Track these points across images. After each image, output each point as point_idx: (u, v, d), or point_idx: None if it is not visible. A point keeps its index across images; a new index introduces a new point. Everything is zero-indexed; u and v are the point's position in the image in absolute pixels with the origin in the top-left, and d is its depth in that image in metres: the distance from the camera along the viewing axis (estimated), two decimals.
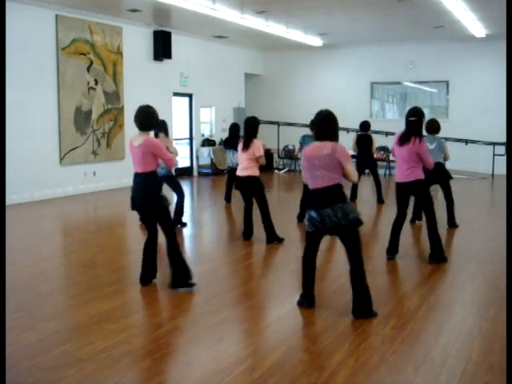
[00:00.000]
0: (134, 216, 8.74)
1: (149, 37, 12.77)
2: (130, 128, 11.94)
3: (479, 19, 11.75)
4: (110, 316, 4.50)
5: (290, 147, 16.38)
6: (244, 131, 7.03)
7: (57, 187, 10.78)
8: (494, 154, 14.04)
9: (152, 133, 5.09)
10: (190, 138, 14.74)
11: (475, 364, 3.61)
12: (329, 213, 4.29)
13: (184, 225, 8.15)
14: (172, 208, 6.75)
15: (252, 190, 7.00)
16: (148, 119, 5.06)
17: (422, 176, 5.97)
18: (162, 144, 5.48)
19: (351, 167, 4.39)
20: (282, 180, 14.62)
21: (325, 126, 4.42)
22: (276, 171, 15.87)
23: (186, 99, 14.48)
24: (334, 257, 6.61)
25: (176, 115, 13.93)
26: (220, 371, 3.52)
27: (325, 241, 7.67)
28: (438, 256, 6.07)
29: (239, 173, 7.01)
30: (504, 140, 13.00)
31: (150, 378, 3.50)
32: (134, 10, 11.05)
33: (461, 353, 3.79)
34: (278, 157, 16.41)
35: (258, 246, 6.92)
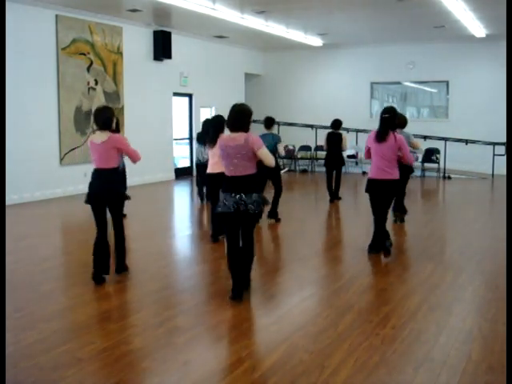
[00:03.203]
0: (134, 216, 8.77)
1: (149, 37, 12.77)
2: (130, 128, 11.99)
3: (479, 19, 11.75)
4: (109, 316, 4.50)
5: (290, 147, 16.38)
6: (211, 127, 7.17)
7: (57, 187, 10.78)
8: (494, 154, 14.03)
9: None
10: (190, 138, 14.74)
11: (475, 364, 3.61)
12: (244, 200, 4.69)
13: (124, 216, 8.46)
14: None
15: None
16: (108, 119, 5.34)
17: (398, 176, 6.14)
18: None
19: (264, 151, 4.74)
20: (282, 180, 14.57)
21: (238, 118, 4.79)
22: None
23: (186, 99, 14.48)
24: (336, 256, 6.62)
25: (176, 115, 13.93)
26: (220, 371, 3.52)
27: (326, 240, 7.68)
28: (379, 246, 6.24)
29: (209, 170, 7.05)
30: (504, 140, 12.99)
31: (149, 377, 3.50)
32: (134, 10, 11.04)
33: (461, 353, 3.79)
34: (278, 156, 16.40)
35: (257, 247, 6.91)
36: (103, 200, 5.35)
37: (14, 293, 5.02)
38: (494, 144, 13.97)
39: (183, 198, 12.53)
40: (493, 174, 14.01)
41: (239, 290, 4.83)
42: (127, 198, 5.55)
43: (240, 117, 4.81)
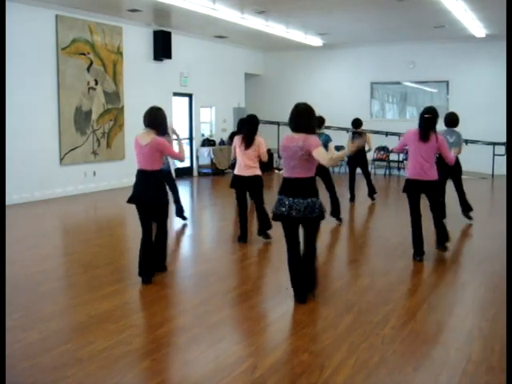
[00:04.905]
0: (134, 216, 8.75)
1: (149, 37, 12.77)
2: (130, 128, 11.99)
3: (479, 19, 11.75)
4: (110, 316, 4.50)
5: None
6: (246, 129, 6.97)
7: (57, 187, 10.77)
8: (493, 154, 14.03)
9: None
10: (190, 138, 14.74)
11: (475, 364, 3.61)
12: (300, 203, 4.52)
13: (185, 218, 8.50)
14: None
15: (254, 189, 6.93)
16: (156, 118, 5.22)
17: (437, 176, 6.05)
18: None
19: (319, 151, 4.48)
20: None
21: (301, 119, 4.66)
22: (276, 171, 15.87)
23: (186, 99, 14.48)
24: (337, 256, 6.61)
25: (176, 115, 13.93)
26: (220, 371, 3.51)
27: (327, 239, 7.68)
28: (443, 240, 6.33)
29: (241, 172, 6.82)
30: (504, 140, 12.99)
31: (150, 377, 3.50)
32: (134, 10, 11.05)
33: (461, 353, 3.79)
34: (278, 157, 16.39)
35: (257, 246, 6.91)
36: (146, 203, 5.29)
37: (13, 293, 5.02)
38: (494, 144, 13.97)
39: (183, 198, 12.51)
40: (493, 174, 14.01)
41: (302, 293, 4.79)
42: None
43: (303, 117, 4.67)
